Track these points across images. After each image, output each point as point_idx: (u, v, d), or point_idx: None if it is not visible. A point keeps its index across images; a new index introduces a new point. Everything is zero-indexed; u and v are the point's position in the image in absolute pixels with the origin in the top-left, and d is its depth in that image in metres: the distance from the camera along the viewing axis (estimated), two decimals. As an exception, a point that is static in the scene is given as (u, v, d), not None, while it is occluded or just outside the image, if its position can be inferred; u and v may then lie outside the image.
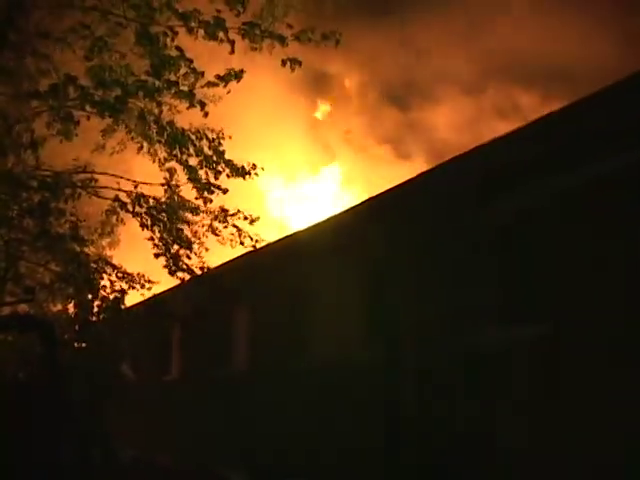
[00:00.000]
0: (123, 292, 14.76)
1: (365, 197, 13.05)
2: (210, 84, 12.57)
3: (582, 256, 9.29)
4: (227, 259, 16.95)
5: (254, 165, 14.72)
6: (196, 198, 15.25)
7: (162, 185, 15.63)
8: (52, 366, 10.15)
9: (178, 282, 15.94)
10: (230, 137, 14.95)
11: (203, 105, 13.05)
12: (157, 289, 16.55)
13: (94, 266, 15.05)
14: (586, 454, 8.81)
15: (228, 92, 13.00)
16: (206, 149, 14.84)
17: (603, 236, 9.04)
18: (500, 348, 10.32)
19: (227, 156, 14.63)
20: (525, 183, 10.11)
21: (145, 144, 15.73)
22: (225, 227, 15.54)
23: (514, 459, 9.75)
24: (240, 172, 14.77)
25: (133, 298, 16.38)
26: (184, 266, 14.96)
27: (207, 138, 14.81)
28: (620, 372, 8.58)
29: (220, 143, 15.03)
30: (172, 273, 14.77)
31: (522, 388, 9.82)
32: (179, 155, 14.91)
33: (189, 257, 15.24)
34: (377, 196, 12.69)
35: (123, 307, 14.89)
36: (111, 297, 14.78)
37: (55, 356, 10.22)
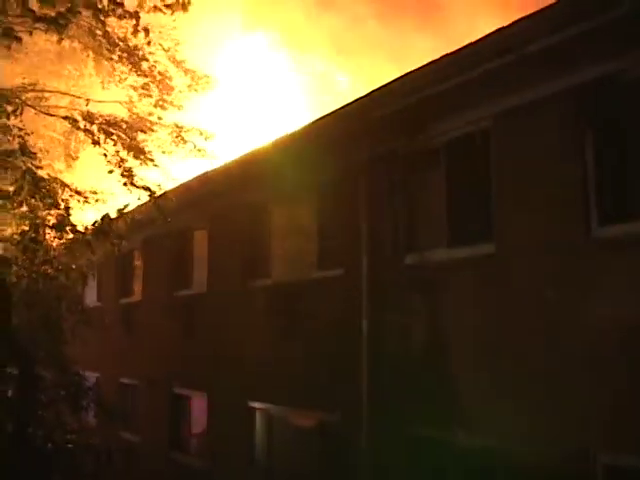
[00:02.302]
0: (67, 207, 14.53)
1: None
2: (157, 9, 12.33)
3: (523, 179, 9.29)
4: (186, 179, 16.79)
5: (206, 76, 14.56)
6: (150, 115, 15.08)
7: (116, 102, 15.44)
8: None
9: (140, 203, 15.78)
10: (184, 43, 14.72)
11: (147, 32, 12.82)
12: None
13: (47, 184, 14.81)
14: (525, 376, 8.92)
15: (174, 20, 12.80)
16: (162, 59, 14.58)
17: (544, 158, 9.02)
18: (449, 267, 10.29)
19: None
20: (464, 106, 10.05)
21: (101, 63, 15.51)
22: (183, 143, 15.40)
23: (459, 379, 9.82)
24: (194, 85, 14.59)
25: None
26: (139, 182, 14.79)
27: (163, 48, 14.54)
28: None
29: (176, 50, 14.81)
30: (125, 184, 14.58)
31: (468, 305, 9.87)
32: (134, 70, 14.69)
33: (153, 164, 15.04)
34: (324, 117, 12.53)
35: (73, 226, 14.62)
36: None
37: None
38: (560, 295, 8.61)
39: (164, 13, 12.17)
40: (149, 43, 13.07)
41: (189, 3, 12.02)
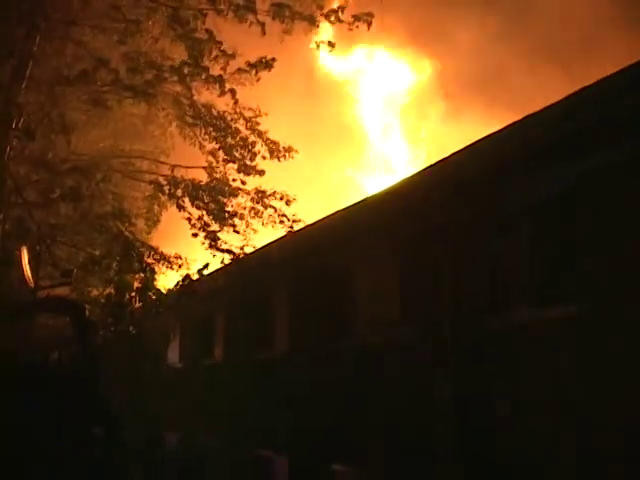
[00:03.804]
0: (153, 271, 14.81)
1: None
2: (241, 71, 12.65)
3: (617, 236, 9.04)
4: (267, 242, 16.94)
5: (289, 147, 14.75)
6: (233, 180, 15.32)
7: (200, 167, 15.74)
8: (84, 349, 10.18)
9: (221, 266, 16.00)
10: (266, 114, 15.00)
11: (234, 93, 13.12)
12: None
13: (136, 249, 15.11)
14: (617, 435, 8.63)
15: (258, 80, 13.11)
16: (243, 129, 14.89)
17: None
18: (536, 328, 10.12)
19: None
20: (548, 165, 9.89)
21: (184, 128, 15.88)
22: (264, 207, 15.59)
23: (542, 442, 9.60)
24: (275, 153, 14.81)
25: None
26: (222, 245, 15.01)
27: (244, 117, 14.84)
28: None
29: (257, 123, 15.09)
30: (210, 247, 14.83)
31: (556, 368, 9.64)
32: (217, 137, 14.99)
33: (235, 230, 15.25)
34: (405, 179, 12.60)
35: (157, 289, 14.90)
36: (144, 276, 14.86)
37: (87, 339, 10.24)
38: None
39: (249, 73, 12.44)
40: (236, 102, 13.34)
41: (273, 60, 12.28)
